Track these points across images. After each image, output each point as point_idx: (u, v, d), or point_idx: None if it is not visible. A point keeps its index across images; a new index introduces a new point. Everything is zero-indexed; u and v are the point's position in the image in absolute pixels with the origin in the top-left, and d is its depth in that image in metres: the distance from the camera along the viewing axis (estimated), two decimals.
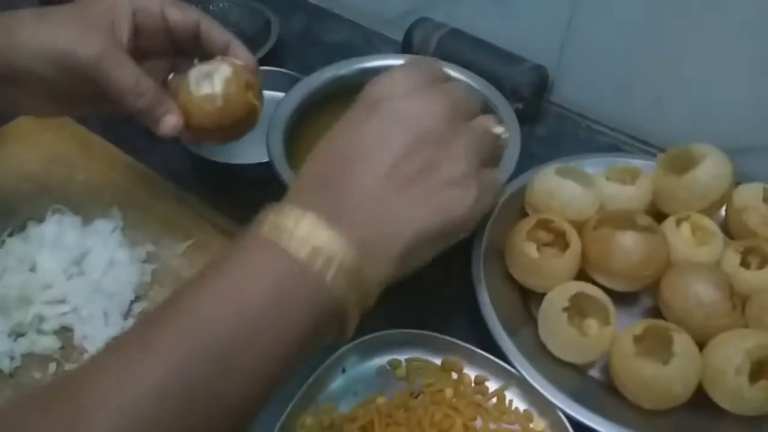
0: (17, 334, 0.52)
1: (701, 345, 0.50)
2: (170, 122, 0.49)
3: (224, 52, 0.52)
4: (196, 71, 0.49)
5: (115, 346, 0.32)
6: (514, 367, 0.50)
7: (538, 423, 0.49)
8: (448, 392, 0.50)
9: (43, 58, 0.46)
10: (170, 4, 0.50)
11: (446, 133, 0.41)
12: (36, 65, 0.47)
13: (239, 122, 0.50)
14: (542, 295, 0.54)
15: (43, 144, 0.68)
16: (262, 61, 0.75)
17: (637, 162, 0.64)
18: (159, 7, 0.50)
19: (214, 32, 0.52)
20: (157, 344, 0.30)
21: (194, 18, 0.51)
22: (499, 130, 0.46)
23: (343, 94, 0.63)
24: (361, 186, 0.38)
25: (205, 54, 0.52)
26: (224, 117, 0.49)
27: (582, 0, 0.67)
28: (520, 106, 0.70)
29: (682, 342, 0.48)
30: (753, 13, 0.59)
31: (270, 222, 0.35)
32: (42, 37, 0.47)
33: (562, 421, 0.48)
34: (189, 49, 0.53)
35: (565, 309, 0.51)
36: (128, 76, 0.47)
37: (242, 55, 0.52)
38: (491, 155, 0.45)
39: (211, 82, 0.48)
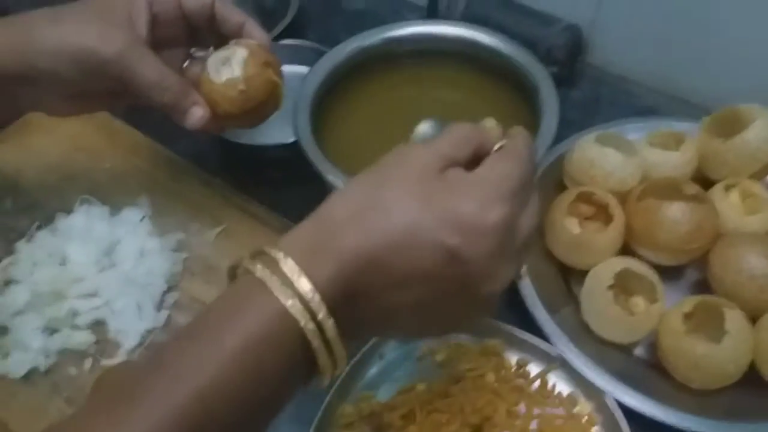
0: (51, 330, 0.52)
1: (754, 319, 0.48)
2: (197, 114, 0.48)
3: (239, 31, 0.50)
4: (214, 58, 0.48)
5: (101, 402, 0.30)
6: (556, 348, 0.49)
7: (584, 406, 0.47)
8: (490, 377, 0.48)
9: (64, 58, 0.45)
10: None
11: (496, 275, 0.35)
12: (57, 65, 0.46)
13: (263, 103, 0.50)
14: (583, 273, 0.52)
15: (66, 133, 0.67)
16: (283, 34, 0.73)
17: (680, 125, 0.61)
18: None
19: (228, 13, 0.50)
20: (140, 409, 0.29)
21: (208, 1, 0.49)
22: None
23: (368, 66, 0.61)
24: (375, 307, 0.34)
25: (221, 36, 0.50)
26: (248, 100, 0.48)
27: None
28: (555, 69, 0.66)
29: (735, 318, 0.46)
30: None
31: (259, 269, 0.31)
32: (61, 36, 0.45)
33: (608, 404, 0.46)
34: (204, 34, 0.51)
35: (610, 287, 0.49)
36: (153, 72, 0.47)
37: (257, 35, 0.50)
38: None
39: (230, 66, 0.47)
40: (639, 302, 0.50)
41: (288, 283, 0.30)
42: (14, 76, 0.46)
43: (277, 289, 0.30)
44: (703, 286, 0.53)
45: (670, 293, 0.52)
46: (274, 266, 0.31)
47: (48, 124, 0.68)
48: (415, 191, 0.33)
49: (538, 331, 0.50)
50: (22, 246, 0.56)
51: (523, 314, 0.52)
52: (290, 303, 0.30)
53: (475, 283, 0.34)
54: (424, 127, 0.48)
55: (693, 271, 0.55)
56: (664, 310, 0.49)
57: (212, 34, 0.51)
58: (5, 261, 0.56)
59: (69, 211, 0.59)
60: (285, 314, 0.30)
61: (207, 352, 0.30)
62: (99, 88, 0.49)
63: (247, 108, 0.49)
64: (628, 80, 0.71)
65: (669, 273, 0.54)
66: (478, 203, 0.33)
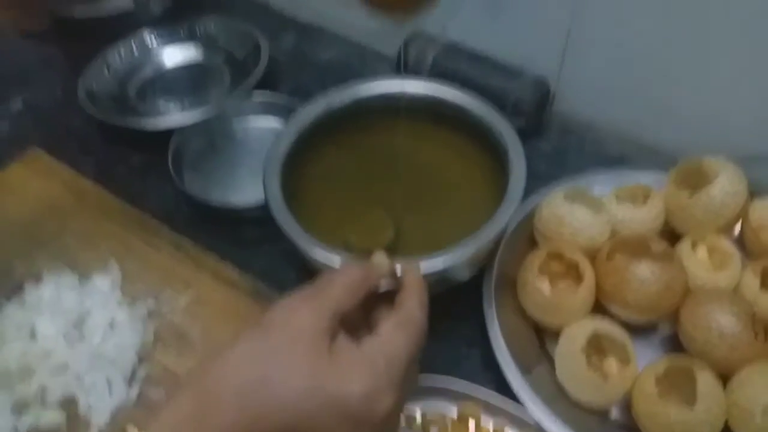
0: (21, 407, 0.51)
1: (726, 377, 0.49)
2: None
3: None
4: None
5: None
6: (531, 414, 0.49)
7: None
8: None
9: None
10: None
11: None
12: None
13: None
14: (558, 330, 0.53)
15: (34, 193, 0.66)
16: (255, 87, 0.73)
17: (646, 178, 0.62)
18: None
19: None
20: None
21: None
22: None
23: (337, 125, 0.61)
24: None
25: None
26: None
27: (581, 9, 0.64)
28: (523, 121, 0.67)
29: (707, 381, 0.47)
30: (762, 19, 0.56)
31: None
32: None
33: None
34: None
35: (582, 350, 0.49)
36: None
37: None
38: None
39: None
40: (612, 364, 0.51)
41: None
42: None
43: None
44: (676, 342, 0.53)
45: (644, 350, 0.53)
46: None
47: (16, 184, 0.67)
48: (305, 372, 0.32)
49: (512, 394, 0.50)
50: None
51: (498, 375, 0.52)
52: None
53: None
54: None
55: (665, 328, 0.56)
56: (637, 373, 0.49)
57: None
58: None
59: (38, 278, 0.58)
60: None
61: None
62: None
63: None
64: (595, 129, 0.72)
65: (642, 329, 0.54)
66: (366, 391, 0.33)
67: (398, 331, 0.36)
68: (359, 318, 0.39)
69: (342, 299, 0.36)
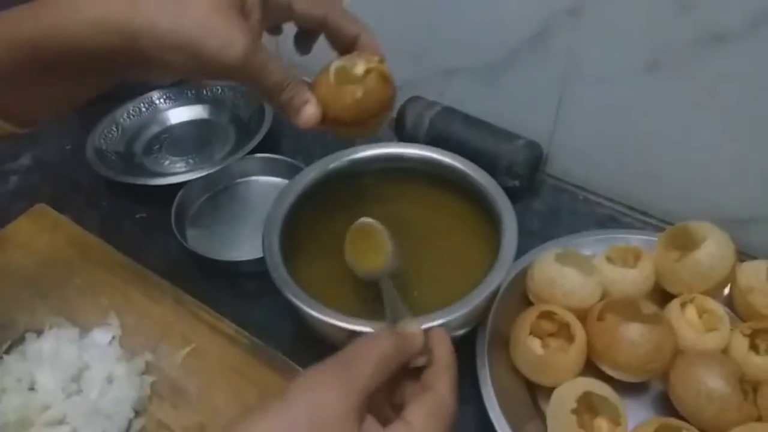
0: None
1: None
2: (309, 111, 0.46)
3: (353, 43, 0.49)
4: (336, 64, 0.47)
5: None
6: None
7: None
8: None
9: (178, 52, 0.41)
10: None
11: None
12: (165, 55, 0.41)
13: (375, 116, 0.49)
14: (550, 388, 0.53)
15: (38, 247, 0.68)
16: (258, 147, 0.76)
17: (637, 239, 0.64)
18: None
19: (344, 24, 0.48)
20: None
21: (321, 13, 0.47)
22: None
23: (334, 187, 0.63)
24: None
25: (333, 42, 0.50)
26: (362, 111, 0.48)
27: (571, 78, 0.67)
28: (517, 182, 0.70)
29: None
30: (750, 88, 0.59)
31: None
32: (179, 27, 0.40)
33: None
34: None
35: (573, 411, 0.50)
36: (276, 75, 0.44)
37: (372, 46, 0.49)
38: None
39: (352, 75, 0.47)
40: (602, 424, 0.51)
41: None
42: (110, 54, 0.41)
43: None
44: (666, 401, 0.54)
45: (635, 408, 0.54)
46: None
47: (22, 239, 0.69)
48: None
49: None
50: None
51: (490, 429, 0.52)
52: None
53: None
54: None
55: (657, 385, 0.56)
56: None
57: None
58: None
59: (39, 330, 0.59)
60: None
61: None
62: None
63: (358, 118, 0.48)
64: (587, 190, 0.74)
65: (633, 387, 0.55)
66: None
67: (430, 420, 0.33)
68: (383, 392, 0.37)
69: (373, 377, 0.33)
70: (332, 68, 0.47)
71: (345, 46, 0.48)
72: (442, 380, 0.36)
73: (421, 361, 0.38)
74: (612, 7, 0.61)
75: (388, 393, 0.38)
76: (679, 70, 0.60)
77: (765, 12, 0.54)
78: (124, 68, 0.45)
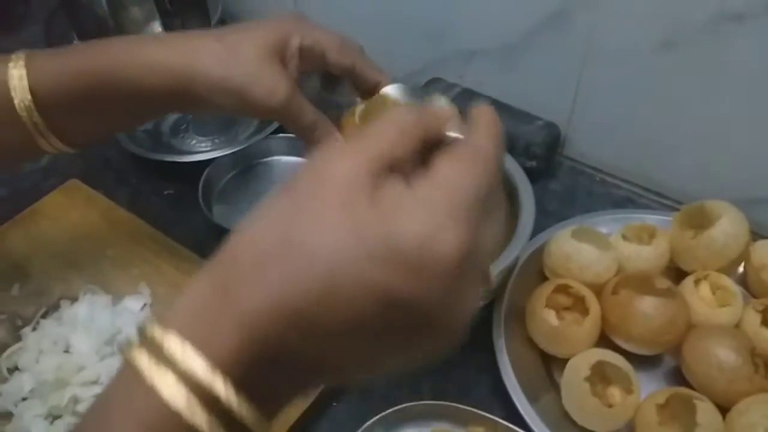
0: (53, 416, 0.54)
1: (725, 409, 0.50)
2: None
3: (376, 87, 0.51)
4: (361, 107, 0.51)
5: None
6: None
7: None
8: None
9: (225, 95, 0.47)
10: (332, 47, 0.50)
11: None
12: (214, 96, 0.47)
13: None
14: (565, 360, 0.55)
15: (72, 220, 0.70)
16: (280, 128, 0.77)
17: (652, 218, 0.65)
18: (321, 50, 0.50)
19: (368, 72, 0.51)
20: None
21: (350, 62, 0.50)
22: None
23: None
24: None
25: (357, 86, 0.52)
26: None
27: (590, 59, 0.68)
28: (534, 163, 0.71)
29: (706, 412, 0.48)
30: (766, 68, 0.60)
31: (136, 356, 0.26)
32: (227, 75, 0.47)
33: None
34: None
35: (587, 379, 0.51)
36: (310, 117, 0.49)
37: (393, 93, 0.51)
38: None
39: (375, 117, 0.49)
40: (616, 393, 0.53)
41: (175, 368, 0.25)
42: (166, 94, 0.48)
43: (158, 379, 0.25)
44: (678, 374, 0.55)
45: (647, 381, 0.55)
46: (155, 348, 0.26)
47: (54, 213, 0.71)
48: (337, 222, 0.26)
49: (520, 420, 0.53)
50: (28, 334, 0.59)
51: (506, 401, 0.54)
52: (173, 394, 0.25)
53: (430, 323, 0.27)
54: (390, 91, 0.49)
55: (669, 359, 0.58)
56: (639, 402, 0.51)
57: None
58: (12, 348, 0.58)
59: (74, 298, 0.62)
60: (168, 410, 0.25)
61: None
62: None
63: None
64: (603, 172, 0.75)
65: (646, 361, 0.56)
66: (423, 230, 0.25)
67: (460, 164, 0.28)
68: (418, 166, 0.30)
69: (391, 141, 0.28)
70: (357, 110, 0.51)
71: (368, 90, 0.52)
72: (477, 132, 0.30)
73: (456, 132, 0.32)
74: None
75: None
76: (697, 50, 0.61)
77: None
78: (177, 106, 0.51)
